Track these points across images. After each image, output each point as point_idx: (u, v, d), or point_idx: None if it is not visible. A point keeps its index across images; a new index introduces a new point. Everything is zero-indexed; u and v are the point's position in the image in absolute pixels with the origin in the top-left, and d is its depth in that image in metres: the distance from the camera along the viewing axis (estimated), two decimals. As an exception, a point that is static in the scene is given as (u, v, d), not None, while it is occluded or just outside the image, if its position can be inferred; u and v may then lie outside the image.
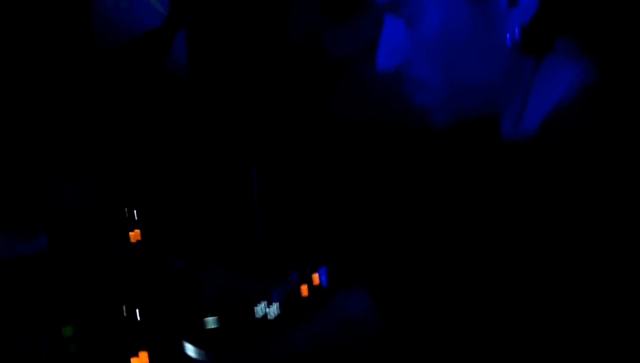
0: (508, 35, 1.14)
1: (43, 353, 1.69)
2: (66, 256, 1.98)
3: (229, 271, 1.77)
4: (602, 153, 1.02)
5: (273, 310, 1.58)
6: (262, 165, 2.16)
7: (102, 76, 2.18)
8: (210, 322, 1.57)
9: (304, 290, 1.65)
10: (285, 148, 2.22)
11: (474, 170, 1.34)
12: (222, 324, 1.55)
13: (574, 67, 1.14)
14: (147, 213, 2.04)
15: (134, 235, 2.01)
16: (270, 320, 1.59)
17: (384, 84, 2.08)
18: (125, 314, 1.70)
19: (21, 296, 1.83)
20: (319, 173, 2.20)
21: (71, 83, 2.16)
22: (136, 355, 1.57)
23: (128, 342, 1.63)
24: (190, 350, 1.53)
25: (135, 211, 2.02)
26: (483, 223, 1.14)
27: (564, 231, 1.02)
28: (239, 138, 2.20)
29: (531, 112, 1.19)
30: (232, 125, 2.20)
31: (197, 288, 1.67)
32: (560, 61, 1.16)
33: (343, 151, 2.17)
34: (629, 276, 0.99)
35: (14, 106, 2.08)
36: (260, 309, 1.58)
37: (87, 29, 2.19)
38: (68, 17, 2.18)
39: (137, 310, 1.70)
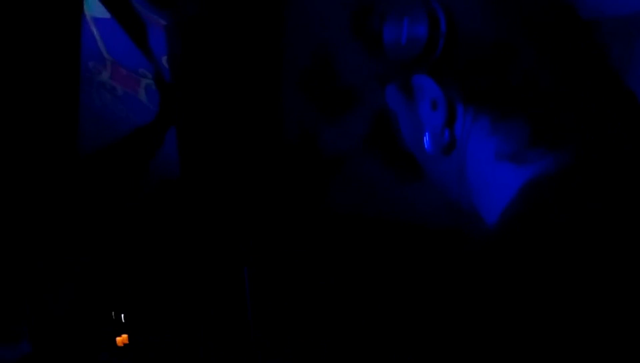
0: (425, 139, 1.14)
1: None
2: (50, 361, 1.92)
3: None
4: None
5: None
6: (254, 266, 2.12)
7: (88, 177, 2.14)
8: None
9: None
10: (278, 246, 2.18)
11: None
12: None
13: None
14: (135, 316, 1.99)
15: (121, 340, 1.96)
16: None
17: (381, 181, 2.06)
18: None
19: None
20: (314, 272, 2.15)
21: (56, 184, 2.12)
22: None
23: None
24: None
25: (122, 315, 1.98)
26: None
27: None
28: (230, 239, 2.15)
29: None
30: (223, 225, 2.16)
31: None
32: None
33: (339, 249, 2.13)
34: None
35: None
36: None
37: (74, 127, 2.16)
38: (53, 114, 2.15)
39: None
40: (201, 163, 2.24)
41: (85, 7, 2.16)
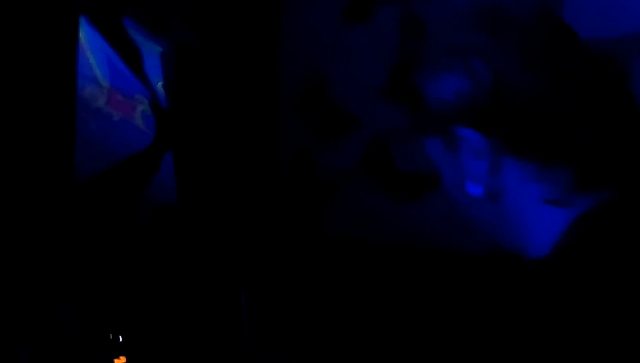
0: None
1: None
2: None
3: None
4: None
5: None
6: (251, 289, 2.12)
7: (85, 203, 2.14)
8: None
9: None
10: (274, 269, 2.18)
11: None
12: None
13: None
14: (132, 338, 1.99)
15: (119, 362, 1.95)
16: None
17: (374, 202, 2.07)
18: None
19: None
20: (309, 293, 2.16)
21: (53, 211, 2.12)
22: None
23: None
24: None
25: (120, 337, 1.97)
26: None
27: None
28: (227, 263, 2.16)
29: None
30: (220, 250, 2.16)
31: None
32: None
33: (333, 269, 2.14)
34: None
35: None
36: None
37: (70, 152, 2.16)
38: (49, 140, 2.15)
39: None
40: (198, 187, 2.24)
41: (80, 33, 2.17)
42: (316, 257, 2.18)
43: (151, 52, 2.32)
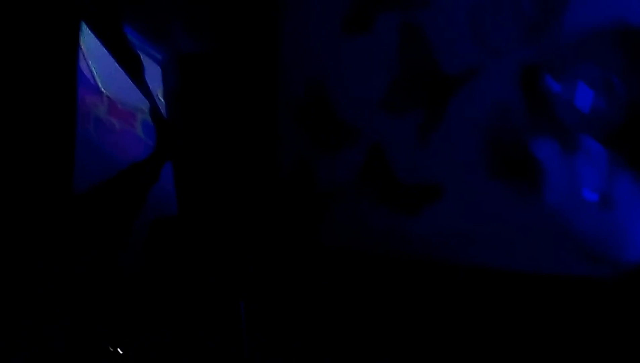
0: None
1: None
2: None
3: None
4: None
5: None
6: (250, 300, 2.12)
7: (84, 212, 2.15)
8: None
9: None
10: (272, 280, 2.19)
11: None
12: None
13: None
14: (131, 350, 1.99)
15: (119, 374, 1.96)
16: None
17: (374, 214, 2.07)
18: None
19: None
20: (307, 305, 2.16)
21: (52, 219, 2.12)
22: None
23: None
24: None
25: (119, 349, 1.98)
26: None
27: None
28: (226, 273, 2.16)
29: None
30: (220, 260, 2.16)
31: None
32: None
33: (333, 282, 2.14)
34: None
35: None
36: None
37: (70, 161, 2.16)
38: (49, 149, 2.15)
39: None
40: (198, 196, 2.25)
41: (81, 42, 2.17)
42: (315, 267, 2.18)
43: (151, 61, 2.32)
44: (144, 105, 2.29)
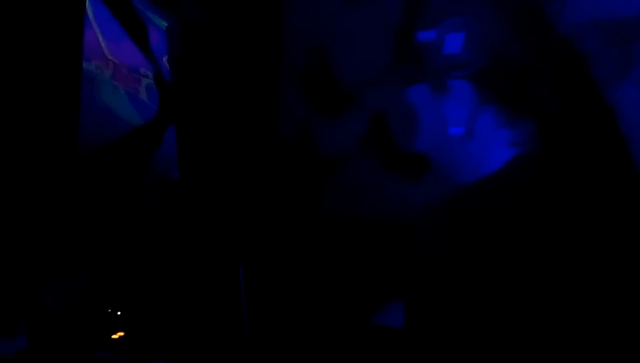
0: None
1: None
2: (47, 357, 1.93)
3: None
4: None
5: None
6: (249, 264, 2.13)
7: (88, 178, 2.16)
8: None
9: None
10: (273, 245, 2.19)
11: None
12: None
13: None
14: (131, 313, 2.01)
15: (118, 336, 1.97)
16: None
17: (377, 181, 2.07)
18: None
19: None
20: (309, 273, 2.17)
21: (55, 181, 2.13)
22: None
23: None
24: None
25: (118, 312, 1.99)
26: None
27: None
28: (227, 237, 2.17)
29: None
30: (220, 223, 2.17)
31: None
32: None
33: (335, 247, 2.15)
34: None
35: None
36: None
37: (75, 124, 2.17)
38: (54, 111, 2.16)
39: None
40: (200, 161, 2.25)
41: (88, 7, 2.18)
42: (316, 235, 2.19)
43: (157, 27, 2.33)
44: (149, 70, 2.29)
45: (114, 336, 1.95)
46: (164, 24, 2.31)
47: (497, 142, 1.48)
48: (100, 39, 2.28)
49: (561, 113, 1.46)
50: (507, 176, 1.47)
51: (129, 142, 2.23)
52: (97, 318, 2.00)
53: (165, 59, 2.31)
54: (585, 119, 1.50)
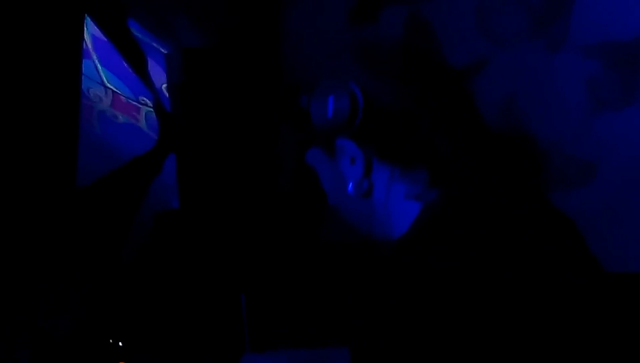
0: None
1: None
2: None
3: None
4: None
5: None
6: (250, 291, 2.13)
7: (87, 204, 2.15)
8: None
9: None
10: (273, 273, 2.19)
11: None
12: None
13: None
14: (132, 343, 2.00)
15: (119, 366, 1.96)
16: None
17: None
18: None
19: None
20: (310, 299, 2.16)
21: (54, 213, 2.12)
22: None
23: None
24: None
25: (120, 342, 1.98)
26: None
27: None
28: (227, 265, 2.17)
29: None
30: (221, 253, 2.17)
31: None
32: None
33: (334, 273, 2.14)
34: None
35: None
36: None
37: (73, 154, 2.17)
38: (53, 142, 2.15)
39: None
40: (200, 190, 2.25)
41: (86, 34, 2.18)
42: (315, 262, 2.19)
43: (155, 54, 2.33)
44: (148, 98, 2.29)
45: (116, 366, 1.94)
46: (163, 51, 2.31)
47: (396, 197, 1.49)
48: (99, 67, 2.28)
49: (451, 154, 1.47)
50: (416, 231, 1.44)
51: (128, 171, 2.23)
52: (98, 349, 1.99)
53: (164, 87, 2.31)
54: (474, 156, 1.52)
